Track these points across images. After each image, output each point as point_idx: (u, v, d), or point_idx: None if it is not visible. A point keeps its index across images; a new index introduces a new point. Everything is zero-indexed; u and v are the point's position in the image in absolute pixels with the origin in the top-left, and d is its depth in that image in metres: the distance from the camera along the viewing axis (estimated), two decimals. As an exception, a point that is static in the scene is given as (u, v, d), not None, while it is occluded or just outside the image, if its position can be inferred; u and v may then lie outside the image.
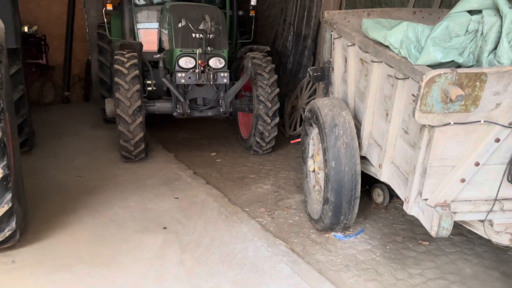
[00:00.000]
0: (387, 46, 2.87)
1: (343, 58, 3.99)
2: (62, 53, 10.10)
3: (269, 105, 5.72)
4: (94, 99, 10.41)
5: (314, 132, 3.93)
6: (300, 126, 6.88)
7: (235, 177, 5.29)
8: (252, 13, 6.86)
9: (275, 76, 5.85)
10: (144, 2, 6.90)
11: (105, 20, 6.98)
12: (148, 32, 6.83)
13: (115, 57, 5.53)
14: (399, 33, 2.69)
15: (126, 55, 5.55)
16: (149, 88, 5.97)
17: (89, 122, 8.04)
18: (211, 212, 4.19)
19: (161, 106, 5.85)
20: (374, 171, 3.34)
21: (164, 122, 7.03)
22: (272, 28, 8.57)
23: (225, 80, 5.60)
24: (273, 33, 8.52)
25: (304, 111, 6.91)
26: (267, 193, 4.75)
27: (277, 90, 5.80)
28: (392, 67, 2.80)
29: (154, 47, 6.74)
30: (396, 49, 2.74)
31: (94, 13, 10.13)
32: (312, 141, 4.02)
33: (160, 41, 6.67)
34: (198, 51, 5.40)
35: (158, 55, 6.54)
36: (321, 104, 3.60)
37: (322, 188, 3.76)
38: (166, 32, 5.99)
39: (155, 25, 6.75)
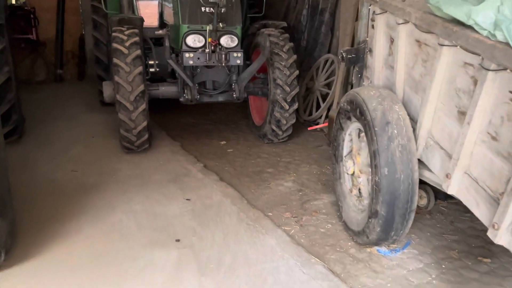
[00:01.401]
0: (468, 26, 2.21)
1: (387, 38, 3.32)
2: (53, 27, 9.27)
3: (288, 89, 5.04)
4: (89, 77, 9.64)
5: (352, 127, 3.30)
6: (316, 110, 6.23)
7: (250, 171, 4.67)
8: (264, -15, 6.08)
9: (294, 56, 5.14)
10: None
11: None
12: (148, 4, 6.06)
13: (113, 34, 4.79)
14: (491, 9, 2.03)
15: (126, 32, 4.80)
16: (152, 70, 5.25)
17: (84, 104, 7.33)
18: (230, 218, 3.59)
19: (166, 90, 5.16)
20: (433, 179, 2.74)
21: (166, 105, 6.33)
22: (283, 1, 7.78)
23: (238, 61, 4.90)
24: (285, 6, 7.74)
25: (320, 94, 6.26)
26: (289, 192, 4.14)
27: (296, 72, 5.11)
28: (476, 53, 2.16)
29: (155, 22, 6.01)
30: (484, 30, 2.08)
31: (87, -16, 9.26)
32: (349, 137, 3.39)
33: (161, 15, 5.91)
34: (208, 27, 4.67)
35: (161, 31, 5.79)
36: (367, 95, 2.95)
37: (366, 195, 3.15)
38: (170, 5, 5.23)
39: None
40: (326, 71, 6.27)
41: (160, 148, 5.28)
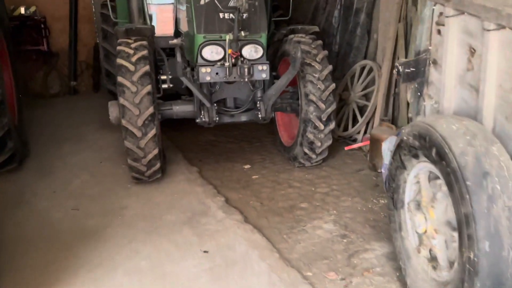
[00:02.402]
0: None
1: (464, 48, 2.47)
2: (66, 37, 8.67)
3: (323, 106, 4.20)
4: (104, 88, 9.06)
5: (419, 168, 2.46)
6: (353, 125, 5.37)
7: (280, 206, 3.86)
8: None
9: (329, 67, 4.30)
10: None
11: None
12: (162, 9, 5.31)
13: (118, 47, 4.05)
14: None
15: (133, 45, 4.06)
16: (165, 86, 4.52)
17: (96, 121, 6.65)
18: (258, 281, 2.81)
19: (180, 110, 4.39)
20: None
21: (183, 120, 5.63)
22: (311, 1, 6.94)
23: (264, 76, 4.10)
24: (312, 6, 6.88)
25: (357, 106, 5.40)
26: (331, 238, 3.32)
27: (333, 85, 4.27)
28: None
29: (170, 30, 5.26)
30: None
31: (100, -10, 8.64)
32: (415, 179, 2.56)
33: (176, 21, 5.17)
34: (228, 37, 3.90)
35: (175, 41, 5.04)
36: (448, 130, 2.10)
37: (445, 264, 2.28)
38: (184, 9, 4.48)
39: (171, -1, 5.23)
40: (363, 81, 5.40)
41: (175, 176, 4.53)
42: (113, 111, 4.34)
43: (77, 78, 8.80)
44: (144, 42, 4.13)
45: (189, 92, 4.60)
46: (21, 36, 7.94)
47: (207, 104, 3.99)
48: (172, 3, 5.16)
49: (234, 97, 4.38)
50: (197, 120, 4.27)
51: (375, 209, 3.72)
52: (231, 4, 3.83)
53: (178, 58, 3.80)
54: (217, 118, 4.10)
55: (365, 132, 5.25)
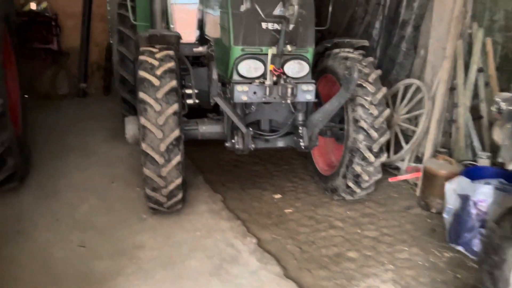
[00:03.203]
0: None
1: None
2: (77, 36, 8.11)
3: (375, 135, 3.59)
4: (115, 91, 8.48)
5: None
6: (395, 151, 4.75)
7: (324, 254, 3.23)
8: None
9: (383, 89, 3.69)
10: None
11: (128, -3, 4.86)
12: (184, 12, 4.71)
13: (141, 57, 3.45)
14: None
15: (158, 55, 3.46)
16: (190, 101, 3.92)
17: (106, 129, 6.08)
18: None
19: (207, 130, 3.78)
20: None
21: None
22: (346, 9, 6.33)
23: (309, 97, 3.48)
24: (348, 15, 6.29)
25: (400, 130, 4.78)
26: (393, 306, 2.72)
27: (387, 111, 3.64)
28: None
29: (192, 35, 4.68)
30: None
31: (116, -13, 8.07)
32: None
33: (201, 26, 4.58)
34: (271, 51, 3.30)
35: (201, 49, 4.44)
36: None
37: None
38: (216, 15, 3.88)
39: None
40: (409, 101, 4.79)
41: (197, 206, 3.92)
42: (130, 129, 3.74)
43: (87, 79, 8.25)
44: (171, 52, 3.53)
45: (216, 109, 4.01)
46: (30, 33, 7.37)
47: (243, 130, 3.37)
48: (196, 5, 4.60)
49: (270, 118, 3.77)
50: (227, 144, 3.66)
51: (440, 266, 3.09)
52: (277, 12, 3.22)
53: (214, 74, 3.18)
54: (253, 146, 3.49)
55: (410, 161, 4.64)
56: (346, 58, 3.80)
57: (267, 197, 4.20)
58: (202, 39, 4.54)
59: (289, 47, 3.22)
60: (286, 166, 4.97)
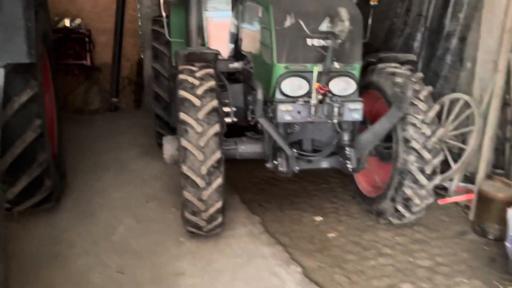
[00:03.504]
0: None
1: None
2: (109, 51, 8.17)
3: (428, 156, 3.35)
4: (146, 106, 8.49)
5: None
6: (441, 170, 4.47)
7: (375, 286, 2.96)
8: (373, 1, 4.47)
9: (436, 107, 3.46)
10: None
11: (163, 13, 4.82)
12: (220, 26, 4.61)
13: (181, 76, 3.34)
14: None
15: (198, 73, 3.34)
16: (228, 120, 3.79)
17: (139, 145, 6.02)
18: None
19: (246, 149, 3.63)
20: None
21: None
22: (383, 21, 6.12)
23: (357, 116, 3.29)
24: (385, 26, 6.07)
25: (446, 147, 4.51)
26: None
27: (441, 131, 3.41)
28: None
29: (224, 50, 4.57)
30: None
31: (148, 3, 8.10)
32: None
33: (235, 41, 4.47)
34: (317, 68, 3.13)
35: (236, 64, 4.32)
36: None
37: None
38: (255, 30, 3.74)
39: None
40: (456, 117, 4.52)
41: (235, 228, 3.76)
42: (168, 149, 3.62)
43: (118, 94, 8.29)
44: (211, 71, 3.41)
45: (253, 127, 3.86)
46: (64, 49, 7.46)
47: (287, 152, 3.19)
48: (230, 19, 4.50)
49: (312, 137, 3.59)
50: (268, 165, 3.50)
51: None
52: (324, 28, 3.06)
53: (259, 94, 3.03)
54: (297, 169, 3.31)
55: (459, 180, 4.37)
56: (393, 74, 3.60)
57: (307, 219, 4.01)
58: (237, 55, 4.43)
59: (336, 64, 3.05)
60: (325, 185, 4.77)
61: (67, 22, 7.64)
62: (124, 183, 4.72)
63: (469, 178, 4.43)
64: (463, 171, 4.38)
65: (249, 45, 4.03)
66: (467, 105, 4.43)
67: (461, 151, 4.33)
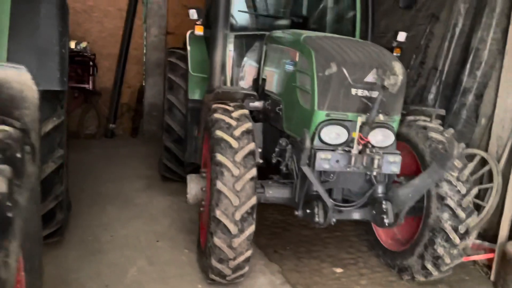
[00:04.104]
0: None
1: None
2: (111, 76, 8.02)
3: (462, 215, 3.27)
4: (144, 135, 8.29)
5: None
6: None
7: None
8: (397, 52, 4.53)
9: (470, 165, 3.46)
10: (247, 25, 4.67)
11: (188, 46, 4.72)
12: (252, 70, 4.58)
13: (216, 115, 3.21)
14: None
15: (234, 114, 3.24)
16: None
17: (141, 176, 5.78)
18: None
19: (274, 194, 3.48)
20: None
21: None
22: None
23: (395, 169, 3.21)
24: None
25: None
26: None
27: (475, 190, 3.38)
28: None
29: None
30: None
31: (155, 32, 8.08)
32: None
33: (255, 80, 4.43)
34: (361, 118, 3.08)
35: (257, 103, 4.23)
36: None
37: None
38: (288, 72, 3.68)
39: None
40: (472, 173, 4.52)
41: (255, 277, 3.54)
42: (193, 188, 3.44)
43: (115, 120, 8.07)
44: (247, 112, 3.30)
45: (277, 169, 3.75)
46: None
47: (328, 203, 3.07)
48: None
49: (343, 187, 3.49)
50: (299, 214, 3.35)
51: None
52: (370, 79, 3.02)
53: (307, 142, 2.91)
54: (335, 220, 3.17)
55: (475, 237, 4.32)
56: (425, 128, 3.58)
57: (327, 270, 3.85)
58: (261, 94, 4.36)
59: (381, 116, 3.00)
60: (338, 233, 4.63)
61: (72, 44, 7.46)
62: (131, 218, 4.48)
63: (482, 235, 4.40)
64: (479, 228, 4.35)
65: (277, 87, 3.96)
66: (483, 161, 4.46)
67: (478, 206, 4.30)
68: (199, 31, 4.18)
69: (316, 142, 3.17)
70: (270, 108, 4.00)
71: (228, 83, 4.51)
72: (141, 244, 3.95)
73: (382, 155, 3.09)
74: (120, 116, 8.30)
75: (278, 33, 4.26)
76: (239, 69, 4.61)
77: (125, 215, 4.52)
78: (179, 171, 5.31)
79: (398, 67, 2.71)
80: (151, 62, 8.29)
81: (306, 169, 3.01)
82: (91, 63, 7.48)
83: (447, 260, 3.35)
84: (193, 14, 4.13)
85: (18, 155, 1.35)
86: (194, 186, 3.42)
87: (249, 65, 4.55)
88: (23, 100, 1.54)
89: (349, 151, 3.07)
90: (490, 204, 4.19)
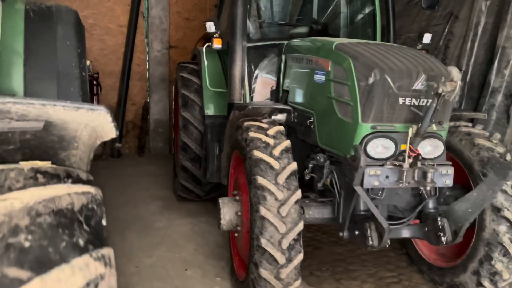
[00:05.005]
0: None
1: None
2: (115, 94, 7.75)
3: (520, 227, 3.05)
4: (149, 152, 8.00)
5: None
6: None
7: None
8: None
9: (524, 173, 3.20)
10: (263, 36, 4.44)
11: (205, 61, 4.46)
12: (268, 83, 4.33)
13: (251, 134, 2.93)
14: None
15: (270, 131, 2.98)
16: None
17: (157, 197, 5.49)
18: None
19: (314, 215, 3.20)
20: None
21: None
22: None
23: (448, 182, 2.95)
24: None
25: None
26: None
27: (532, 199, 3.14)
28: None
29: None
30: None
31: (158, 46, 7.82)
32: None
33: (280, 93, 4.18)
34: (411, 130, 2.82)
35: (279, 116, 3.96)
36: None
37: None
38: (318, 83, 3.42)
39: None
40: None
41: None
42: (227, 213, 3.16)
43: (121, 140, 7.78)
44: (282, 128, 3.04)
45: (309, 184, 3.48)
46: (69, 92, 7.00)
47: (384, 224, 2.79)
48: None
49: (389, 203, 3.22)
50: (344, 235, 3.07)
51: None
52: (419, 87, 2.77)
53: (362, 160, 2.65)
54: (389, 242, 2.89)
55: None
56: (469, 134, 3.33)
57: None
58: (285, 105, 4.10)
59: (434, 126, 2.74)
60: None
61: (74, 64, 7.18)
62: (153, 245, 4.18)
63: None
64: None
65: (305, 98, 3.69)
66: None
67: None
68: (217, 44, 3.92)
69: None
70: (297, 121, 3.73)
71: (248, 98, 4.26)
72: (169, 274, 3.65)
73: (436, 167, 2.83)
74: (125, 134, 8.03)
75: (299, 42, 4.02)
76: (251, 81, 4.35)
77: (147, 242, 4.22)
78: (197, 190, 5.04)
79: (455, 73, 2.47)
80: (155, 78, 8.04)
81: (359, 189, 2.73)
82: (94, 82, 7.20)
83: (506, 276, 3.08)
84: (210, 26, 3.88)
85: (104, 222, 1.10)
86: (228, 211, 3.14)
87: (263, 76, 4.30)
88: (73, 140, 1.27)
89: (400, 166, 2.80)
90: None
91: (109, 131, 1.40)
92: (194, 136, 4.84)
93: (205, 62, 4.29)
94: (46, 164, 1.17)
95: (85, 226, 1.00)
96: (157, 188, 5.92)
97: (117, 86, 7.79)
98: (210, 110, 4.67)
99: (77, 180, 1.17)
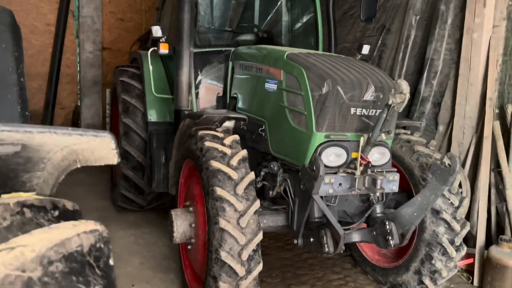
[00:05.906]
0: None
1: None
2: (42, 98, 7.20)
3: (457, 227, 3.25)
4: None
5: None
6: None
7: None
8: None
9: (460, 176, 3.47)
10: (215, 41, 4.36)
11: (150, 66, 4.27)
12: (212, 89, 4.28)
13: (207, 143, 2.84)
14: None
15: (226, 140, 2.92)
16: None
17: (94, 208, 5.17)
18: None
19: (269, 223, 3.18)
20: None
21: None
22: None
23: (394, 187, 3.10)
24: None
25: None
26: None
27: (466, 200, 3.41)
28: None
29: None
30: None
31: (90, 47, 7.40)
32: None
33: (227, 100, 4.15)
34: (363, 139, 2.92)
35: (228, 123, 3.93)
36: None
37: None
38: (270, 92, 3.42)
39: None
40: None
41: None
42: (180, 225, 3.04)
43: (50, 146, 7.22)
44: (237, 137, 3.00)
45: (260, 194, 3.48)
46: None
47: (340, 232, 2.84)
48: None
49: (338, 209, 3.31)
50: (299, 242, 3.10)
51: None
52: (369, 98, 2.89)
53: (321, 170, 2.66)
54: (343, 249, 2.96)
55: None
56: (408, 141, 3.55)
57: (321, 295, 3.65)
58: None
59: (383, 136, 2.87)
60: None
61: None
62: (94, 261, 3.90)
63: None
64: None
65: (255, 106, 3.68)
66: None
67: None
68: (164, 49, 3.78)
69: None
70: (247, 128, 3.71)
71: (195, 104, 4.18)
72: (115, 291, 3.42)
73: (384, 174, 2.97)
74: (54, 141, 7.48)
75: (247, 49, 4.01)
76: (194, 87, 4.27)
77: (87, 259, 3.92)
78: (139, 200, 4.84)
79: (405, 85, 2.61)
80: (87, 80, 7.59)
81: (317, 198, 2.77)
82: (18, 84, 6.58)
83: (444, 274, 3.31)
84: (156, 31, 3.73)
85: (111, 262, 0.98)
86: (181, 223, 3.03)
87: (207, 83, 4.25)
88: (41, 162, 1.12)
89: (352, 173, 2.89)
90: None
91: (111, 158, 1.29)
92: (136, 144, 4.63)
93: (150, 67, 4.11)
94: (31, 196, 1.02)
95: (97, 270, 0.88)
96: (93, 199, 5.58)
97: (44, 89, 7.23)
98: (153, 117, 4.51)
99: (64, 212, 1.04)
